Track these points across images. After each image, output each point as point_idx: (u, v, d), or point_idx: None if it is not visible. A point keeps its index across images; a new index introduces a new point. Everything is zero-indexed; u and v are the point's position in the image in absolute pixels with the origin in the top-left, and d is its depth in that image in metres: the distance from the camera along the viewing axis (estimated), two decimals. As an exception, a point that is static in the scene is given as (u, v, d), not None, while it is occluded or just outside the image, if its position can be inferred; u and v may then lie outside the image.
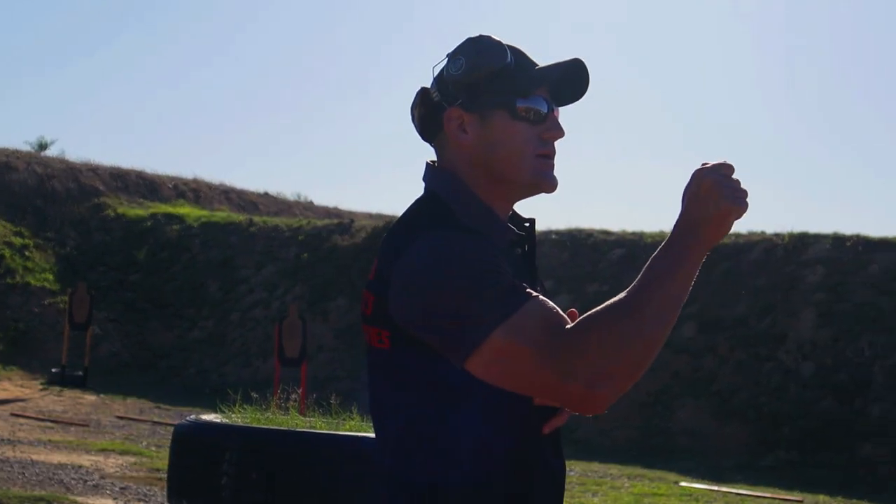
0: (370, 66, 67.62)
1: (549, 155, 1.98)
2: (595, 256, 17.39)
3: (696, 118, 59.99)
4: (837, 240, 15.49)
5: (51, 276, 20.65)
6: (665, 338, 1.77)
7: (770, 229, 16.40)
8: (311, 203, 29.27)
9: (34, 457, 10.04)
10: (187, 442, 6.19)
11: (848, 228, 17.39)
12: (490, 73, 1.95)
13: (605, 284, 16.31)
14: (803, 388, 14.21)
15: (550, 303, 1.82)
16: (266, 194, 28.33)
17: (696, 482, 11.52)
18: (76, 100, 60.28)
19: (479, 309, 1.77)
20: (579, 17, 68.43)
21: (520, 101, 1.95)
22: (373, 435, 1.99)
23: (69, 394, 15.81)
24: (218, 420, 6.48)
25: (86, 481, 9.04)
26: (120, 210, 23.16)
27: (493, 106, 1.95)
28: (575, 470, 11.28)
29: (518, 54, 1.98)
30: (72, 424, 12.68)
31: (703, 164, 1.82)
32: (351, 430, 6.32)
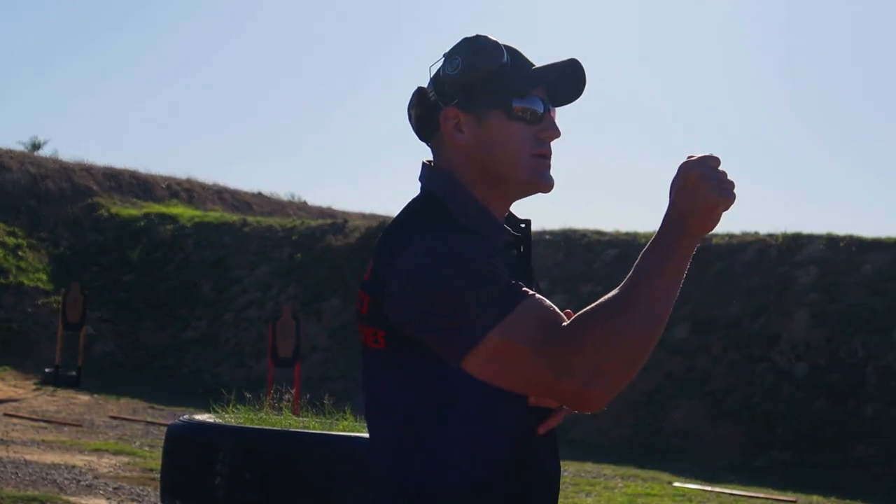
0: (364, 66, 67.60)
1: (546, 155, 1.98)
2: (589, 257, 17.40)
3: (691, 118, 60.03)
4: (831, 240, 15.51)
5: (44, 276, 20.62)
6: (659, 333, 1.77)
7: (763, 230, 16.43)
8: (305, 203, 29.26)
9: (27, 457, 10.02)
10: (181, 442, 6.18)
11: (841, 229, 17.39)
12: (486, 72, 1.95)
13: (600, 285, 16.31)
14: (797, 389, 14.23)
15: (547, 301, 1.82)
16: (260, 194, 28.31)
17: (690, 482, 11.53)
18: (69, 99, 60.19)
19: (476, 308, 1.77)
20: (578, 16, 68.47)
21: (516, 101, 1.95)
22: (366, 435, 1.99)
23: (62, 394, 15.78)
24: (211, 420, 6.47)
25: (79, 481, 9.03)
26: (113, 210, 23.13)
27: (489, 106, 1.95)
28: (569, 470, 11.28)
29: (515, 54, 1.98)
30: (65, 424, 12.67)
31: (689, 157, 1.82)
32: (344, 431, 6.31)
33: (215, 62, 64.43)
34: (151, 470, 9.53)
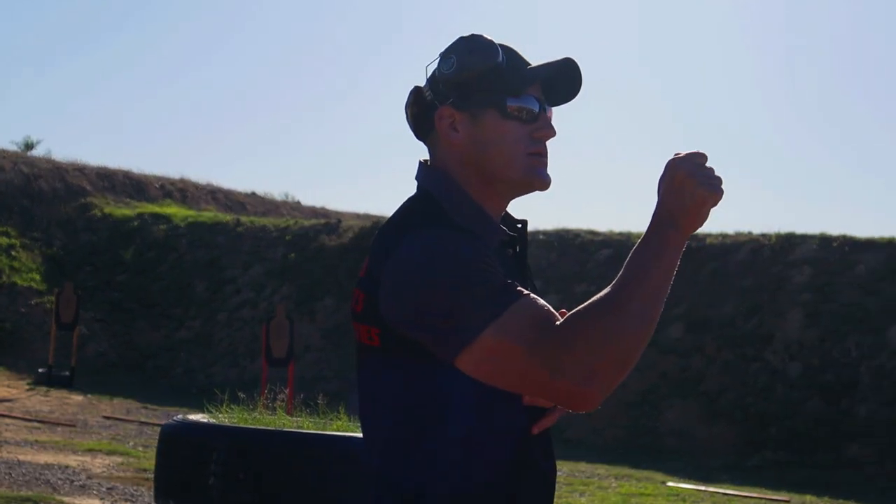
0: (359, 66, 67.62)
1: (541, 153, 1.98)
2: (583, 257, 17.41)
3: (688, 118, 60.10)
4: (824, 240, 15.53)
5: (37, 276, 20.59)
6: (651, 331, 1.76)
7: (757, 230, 16.46)
8: (299, 203, 29.27)
9: (21, 457, 10.00)
10: (174, 442, 6.18)
11: (835, 229, 17.44)
12: (481, 72, 1.95)
13: (593, 285, 16.32)
14: (790, 389, 14.24)
15: (541, 301, 1.82)
16: (253, 194, 28.31)
17: (684, 482, 11.53)
18: (62, 100, 60.18)
19: (471, 307, 1.77)
20: (577, 16, 68.53)
21: (510, 100, 1.95)
22: (360, 435, 1.98)
23: (56, 394, 15.76)
24: (205, 420, 6.46)
25: (72, 481, 9.01)
26: (107, 210, 23.11)
27: (484, 105, 1.95)
28: (562, 470, 11.28)
29: (510, 54, 1.98)
30: (58, 424, 12.64)
31: (676, 154, 1.82)
32: (338, 431, 6.31)
33: (209, 63, 64.43)
34: (145, 470, 9.52)
